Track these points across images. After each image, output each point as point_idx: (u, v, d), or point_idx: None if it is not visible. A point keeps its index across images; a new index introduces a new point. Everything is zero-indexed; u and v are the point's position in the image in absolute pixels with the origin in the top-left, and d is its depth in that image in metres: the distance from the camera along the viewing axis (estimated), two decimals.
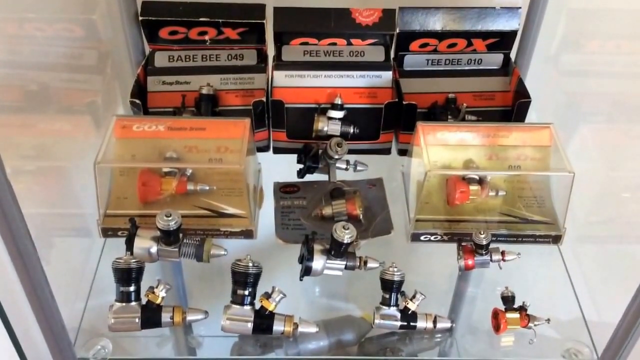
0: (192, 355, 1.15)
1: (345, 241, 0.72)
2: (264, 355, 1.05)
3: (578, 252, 0.84)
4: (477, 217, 0.83)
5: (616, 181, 0.84)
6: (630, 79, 0.90)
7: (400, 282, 0.73)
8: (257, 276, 0.70)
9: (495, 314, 0.74)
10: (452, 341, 1.14)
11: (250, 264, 0.70)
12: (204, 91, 0.88)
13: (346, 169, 0.87)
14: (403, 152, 0.91)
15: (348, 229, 0.73)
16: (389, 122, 0.90)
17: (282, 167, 0.90)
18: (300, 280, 0.75)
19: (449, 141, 0.83)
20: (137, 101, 0.86)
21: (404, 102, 0.88)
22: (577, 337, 0.76)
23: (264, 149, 0.92)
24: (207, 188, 0.80)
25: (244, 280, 0.70)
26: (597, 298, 0.80)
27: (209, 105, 0.87)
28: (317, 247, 0.75)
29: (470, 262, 0.77)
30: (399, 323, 0.73)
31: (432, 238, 0.82)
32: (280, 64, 0.90)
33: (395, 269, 0.73)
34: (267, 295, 0.71)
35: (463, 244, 0.78)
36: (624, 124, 0.84)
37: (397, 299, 0.73)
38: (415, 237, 0.81)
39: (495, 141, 0.83)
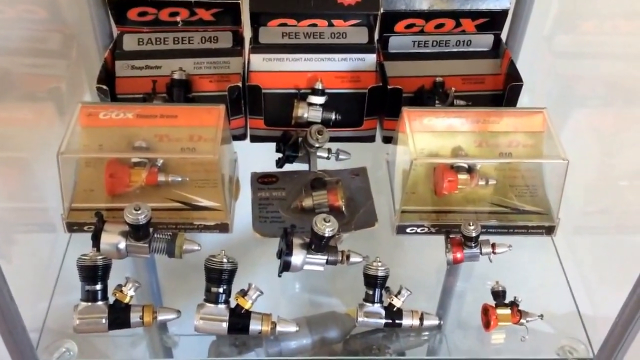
0: (168, 356, 1.11)
1: (326, 234, 0.68)
2: (243, 355, 1.01)
3: (573, 244, 0.79)
4: (467, 208, 0.78)
5: (613, 168, 0.80)
6: (628, 61, 0.86)
7: (385, 278, 0.68)
8: (232, 273, 0.66)
9: (485, 310, 0.70)
10: (442, 337, 1.10)
11: (225, 260, 0.65)
12: (176, 76, 0.82)
13: (328, 158, 0.82)
14: (388, 140, 0.86)
15: (329, 221, 0.68)
16: (372, 108, 0.86)
17: (260, 157, 0.85)
18: (279, 276, 0.71)
19: (437, 127, 0.78)
20: (104, 87, 0.81)
21: (389, 87, 0.83)
22: (572, 333, 0.72)
23: (240, 137, 0.87)
24: (180, 179, 0.75)
25: (218, 277, 0.65)
26: (593, 292, 0.76)
27: (181, 91, 0.82)
28: (296, 241, 0.70)
29: (459, 255, 0.73)
30: (383, 321, 0.69)
31: (418, 230, 0.77)
32: (257, 47, 0.85)
33: (379, 264, 0.68)
34: (243, 293, 0.66)
35: (451, 236, 0.74)
36: (621, 108, 0.79)
37: (381, 295, 0.69)
38: (400, 230, 0.77)
39: (485, 127, 0.79)
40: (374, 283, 0.68)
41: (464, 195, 0.78)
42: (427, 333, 1.07)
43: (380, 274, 0.68)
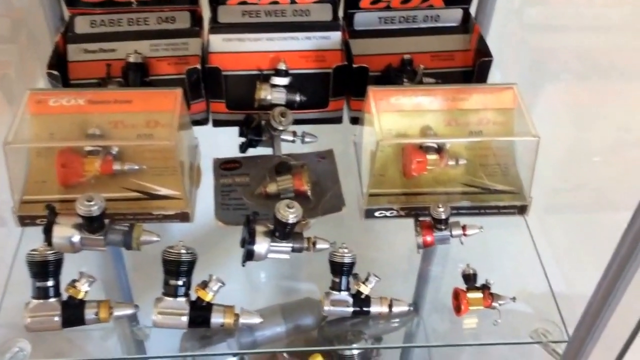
0: (140, 350, 1.08)
1: (289, 221, 0.65)
2: (214, 346, 0.99)
3: (546, 223, 0.77)
4: (437, 189, 0.76)
5: (586, 144, 0.77)
6: (600, 33, 0.83)
7: (351, 264, 0.66)
8: (191, 264, 0.63)
9: (456, 295, 0.68)
10: (419, 321, 1.09)
11: (183, 251, 0.62)
12: (132, 59, 0.78)
13: (293, 141, 0.79)
14: (356, 121, 0.83)
15: (292, 207, 0.65)
16: (338, 88, 0.82)
17: (223, 142, 0.82)
18: (243, 265, 0.68)
19: (404, 107, 0.75)
20: (55, 73, 0.77)
21: (354, 65, 0.80)
22: (547, 315, 0.70)
23: (202, 122, 0.83)
24: (137, 167, 0.71)
25: (176, 269, 0.62)
26: (566, 272, 0.74)
27: (137, 75, 0.78)
28: (259, 228, 0.67)
29: (429, 238, 0.71)
30: (351, 309, 0.66)
31: (387, 214, 0.75)
32: (216, 27, 0.81)
33: (345, 250, 0.66)
34: (204, 285, 0.63)
35: (420, 219, 0.72)
36: (594, 82, 0.77)
37: (348, 283, 0.66)
38: (369, 214, 0.74)
39: (454, 105, 0.76)
40: (340, 270, 0.66)
41: (434, 176, 0.76)
42: (404, 317, 1.05)
43: (346, 260, 0.65)
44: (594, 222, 0.72)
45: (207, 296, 0.63)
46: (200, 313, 0.63)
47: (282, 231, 0.67)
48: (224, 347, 1.00)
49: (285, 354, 1.29)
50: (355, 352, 0.98)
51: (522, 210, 0.74)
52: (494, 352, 0.96)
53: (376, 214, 0.74)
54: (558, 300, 0.70)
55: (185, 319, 0.62)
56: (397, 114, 0.74)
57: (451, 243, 0.71)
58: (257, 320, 0.64)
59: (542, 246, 0.73)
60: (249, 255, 0.67)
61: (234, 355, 1.02)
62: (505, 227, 0.76)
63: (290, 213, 0.65)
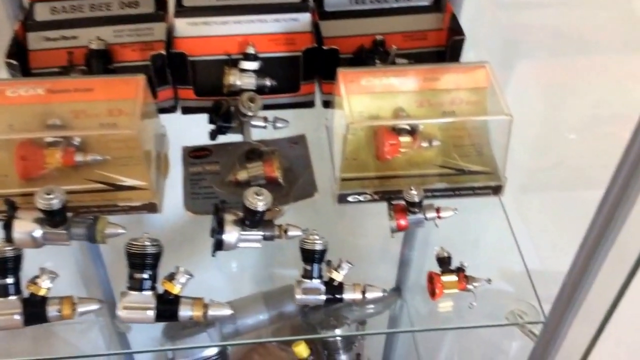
0: (123, 342, 1.06)
1: (259, 209, 0.63)
2: (195, 337, 0.97)
3: (521, 203, 0.76)
4: (411, 172, 0.74)
5: (561, 121, 0.76)
6: (574, 9, 0.81)
7: (323, 251, 0.64)
8: (157, 256, 0.61)
9: (430, 278, 0.66)
10: (402, 304, 1.08)
11: (147, 243, 0.61)
12: (94, 46, 0.76)
13: (264, 127, 0.77)
14: (328, 104, 0.81)
15: (261, 194, 0.64)
16: (310, 72, 0.80)
17: (193, 129, 0.80)
18: (213, 255, 0.66)
19: (375, 88, 0.74)
20: (14, 62, 0.74)
21: (325, 48, 0.78)
22: (523, 296, 0.69)
23: (170, 109, 0.81)
24: (100, 158, 0.69)
25: (141, 262, 0.60)
26: (543, 252, 0.73)
27: (100, 63, 0.76)
28: (228, 217, 0.66)
29: (402, 222, 0.69)
30: (323, 297, 0.65)
31: (361, 198, 0.73)
32: (181, 10, 0.78)
33: (316, 237, 0.64)
34: (171, 277, 0.61)
35: (394, 202, 0.70)
36: (568, 58, 0.76)
37: (320, 270, 0.65)
38: (342, 199, 0.73)
39: (426, 85, 0.74)
40: (312, 258, 0.64)
41: (408, 158, 0.74)
42: (388, 301, 1.04)
43: (317, 247, 0.64)
44: (570, 200, 0.71)
45: (175, 289, 0.61)
46: (167, 307, 0.61)
47: (251, 219, 0.65)
48: (205, 337, 0.99)
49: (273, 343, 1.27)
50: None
51: (497, 190, 0.73)
52: (478, 333, 0.95)
53: (349, 198, 0.73)
54: (535, 280, 0.69)
55: (151, 313, 0.60)
56: (367, 96, 0.73)
57: (427, 226, 0.70)
58: (227, 312, 0.63)
59: (517, 226, 0.72)
60: (219, 245, 0.65)
61: (217, 346, 1.01)
62: (481, 208, 0.75)
63: (259, 200, 0.63)
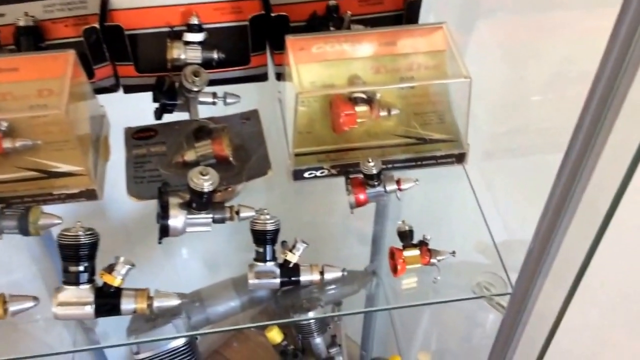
0: (90, 338, 1.02)
1: (205, 189, 0.59)
2: (159, 328, 0.93)
3: (485, 171, 0.72)
4: (370, 143, 0.70)
5: (525, 83, 0.72)
6: None
7: (275, 232, 0.60)
8: (92, 247, 0.56)
9: (392, 254, 0.62)
10: (378, 282, 1.04)
11: (81, 233, 0.56)
12: (22, 23, 0.70)
13: (214, 103, 0.72)
14: (282, 77, 0.76)
15: (207, 174, 0.59)
16: (259, 42, 0.75)
17: (137, 109, 0.74)
18: (159, 243, 0.62)
19: (328, 56, 0.69)
20: None
21: (273, 15, 0.73)
22: (489, 267, 0.66)
23: (111, 88, 0.75)
24: (30, 143, 0.63)
25: (75, 253, 0.56)
26: (509, 221, 0.69)
27: (30, 41, 0.70)
28: (173, 200, 0.61)
29: (361, 196, 0.65)
30: (278, 280, 0.61)
31: (318, 174, 0.69)
32: None
33: (267, 217, 0.60)
34: (110, 269, 0.57)
35: (351, 176, 0.66)
36: (531, 16, 0.71)
37: (274, 252, 0.61)
38: (297, 175, 0.68)
39: (382, 51, 0.70)
40: (263, 239, 0.60)
41: (366, 129, 0.70)
42: (364, 279, 1.00)
43: (269, 228, 0.60)
44: (537, 165, 0.68)
45: (115, 281, 0.56)
46: (107, 300, 0.56)
47: (198, 201, 0.61)
48: (171, 328, 0.94)
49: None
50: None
51: (460, 158, 0.69)
52: (453, 306, 0.92)
53: (305, 174, 0.69)
54: (502, 250, 0.66)
55: (90, 308, 0.56)
56: (319, 65, 0.68)
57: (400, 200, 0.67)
58: (174, 302, 0.58)
59: (483, 195, 0.68)
60: (164, 231, 0.61)
61: (184, 336, 0.97)
62: (445, 178, 0.71)
63: (204, 181, 0.59)
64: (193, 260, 1.11)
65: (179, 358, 0.98)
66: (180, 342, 0.97)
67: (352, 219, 0.76)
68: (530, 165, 0.69)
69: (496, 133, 0.74)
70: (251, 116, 0.75)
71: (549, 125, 0.67)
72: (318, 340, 0.94)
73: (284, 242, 0.62)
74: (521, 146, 0.73)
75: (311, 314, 0.88)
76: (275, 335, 0.92)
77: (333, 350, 0.95)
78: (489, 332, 0.76)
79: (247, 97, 0.76)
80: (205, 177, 0.59)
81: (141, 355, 0.96)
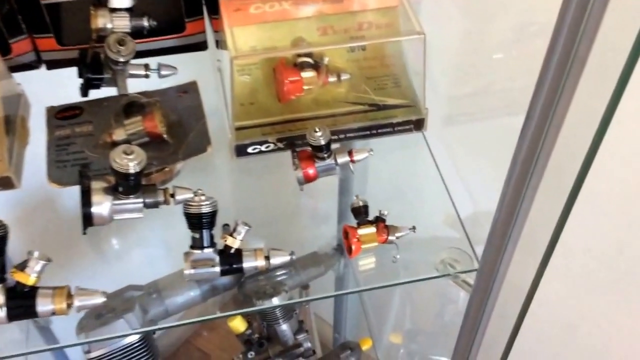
0: (45, 335, 0.95)
1: (130, 171, 0.52)
2: (111, 324, 0.87)
3: (446, 138, 0.67)
4: (319, 112, 0.64)
5: (484, 39, 0.66)
6: None
7: (211, 214, 0.54)
8: (1, 241, 0.49)
9: (345, 233, 0.57)
10: (346, 262, 0.99)
11: None
12: None
13: (146, 76, 0.65)
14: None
15: (131, 153, 0.52)
16: (195, 6, 0.68)
17: (63, 87, 0.67)
18: (84, 233, 0.55)
19: (267, 17, 0.62)
20: None
21: None
22: (458, 242, 0.60)
23: (32, 64, 0.68)
24: None
25: None
26: (474, 192, 0.64)
27: None
28: (96, 185, 0.54)
29: (310, 171, 0.59)
30: (218, 268, 0.55)
31: (263, 148, 0.62)
32: None
33: (202, 198, 0.53)
34: (22, 266, 0.50)
35: (298, 150, 0.60)
36: None
37: (212, 237, 0.54)
38: (240, 151, 0.62)
39: (328, 9, 0.63)
40: (199, 223, 0.53)
41: (314, 97, 0.64)
42: (332, 259, 0.94)
43: (204, 210, 0.53)
44: (500, 129, 0.62)
45: (29, 279, 0.50)
46: (20, 301, 0.50)
47: (125, 185, 0.54)
48: (122, 324, 0.88)
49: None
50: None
51: (418, 125, 0.63)
52: (423, 285, 0.87)
53: (249, 149, 0.62)
54: (468, 223, 0.60)
55: (1, 311, 0.49)
56: (258, 27, 0.61)
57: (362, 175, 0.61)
58: (98, 299, 0.52)
59: (445, 165, 0.63)
60: (88, 220, 0.54)
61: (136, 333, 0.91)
62: (404, 147, 0.65)
63: (129, 160, 0.52)
64: (142, 249, 1.04)
65: (134, 354, 0.91)
66: (135, 337, 0.91)
67: (316, 196, 0.70)
68: (494, 129, 0.64)
69: (456, 96, 0.67)
70: (189, 89, 0.68)
71: (512, 84, 0.62)
72: (284, 327, 0.89)
73: (225, 226, 0.56)
74: (483, 109, 0.67)
75: (276, 300, 0.82)
76: (238, 325, 0.87)
77: (301, 337, 0.90)
78: (462, 309, 0.71)
79: (185, 68, 0.69)
80: (130, 157, 0.52)
81: (92, 354, 0.90)
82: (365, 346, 0.87)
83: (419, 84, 0.63)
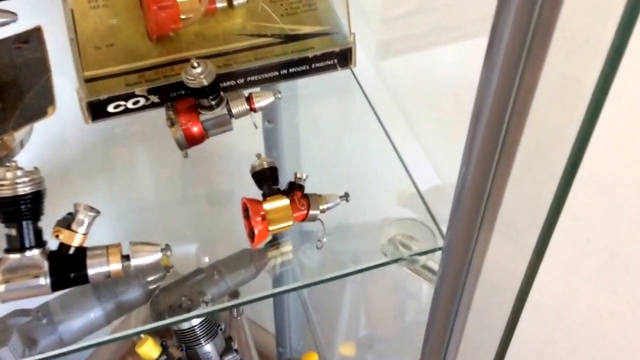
0: None
1: None
2: None
3: (385, 75, 0.49)
4: (207, 51, 0.46)
5: None
6: None
7: (35, 197, 0.35)
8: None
9: (245, 209, 0.39)
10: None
11: None
12: None
13: None
14: None
15: None
16: None
17: None
18: None
19: None
20: None
21: None
22: (408, 213, 0.43)
23: None
24: None
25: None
26: (426, 144, 0.47)
27: None
28: None
29: (194, 128, 0.41)
30: (47, 279, 0.36)
31: (129, 105, 0.44)
32: None
33: (19, 173, 0.35)
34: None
35: (177, 100, 0.42)
36: None
37: (38, 233, 0.36)
38: (96, 111, 0.44)
39: None
40: (15, 213, 0.35)
41: (198, 30, 0.46)
42: (263, 259, 0.76)
43: (21, 191, 0.35)
44: (453, 56, 0.45)
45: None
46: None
47: None
48: (6, 352, 0.71)
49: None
50: (195, 321, 0.72)
51: (344, 58, 0.46)
52: (377, 278, 0.71)
53: (110, 108, 0.44)
54: (431, 193, 0.43)
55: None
56: None
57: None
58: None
59: (384, 111, 0.45)
60: None
61: None
62: (333, 92, 0.48)
63: None
64: None
65: None
66: None
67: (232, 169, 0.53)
68: (446, 58, 0.47)
69: (391, 16, 0.50)
70: (31, 37, 0.50)
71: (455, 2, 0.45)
72: (207, 348, 0.72)
73: (68, 216, 0.37)
74: (432, 30, 0.48)
75: (195, 314, 0.65)
76: (148, 350, 0.69)
77: (228, 358, 0.72)
78: (426, 305, 0.54)
79: (26, 13, 0.51)
80: None
81: None
82: None
83: (341, 2, 0.46)
